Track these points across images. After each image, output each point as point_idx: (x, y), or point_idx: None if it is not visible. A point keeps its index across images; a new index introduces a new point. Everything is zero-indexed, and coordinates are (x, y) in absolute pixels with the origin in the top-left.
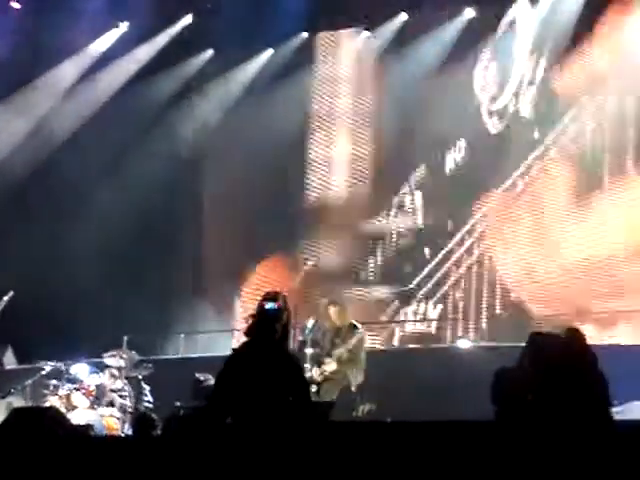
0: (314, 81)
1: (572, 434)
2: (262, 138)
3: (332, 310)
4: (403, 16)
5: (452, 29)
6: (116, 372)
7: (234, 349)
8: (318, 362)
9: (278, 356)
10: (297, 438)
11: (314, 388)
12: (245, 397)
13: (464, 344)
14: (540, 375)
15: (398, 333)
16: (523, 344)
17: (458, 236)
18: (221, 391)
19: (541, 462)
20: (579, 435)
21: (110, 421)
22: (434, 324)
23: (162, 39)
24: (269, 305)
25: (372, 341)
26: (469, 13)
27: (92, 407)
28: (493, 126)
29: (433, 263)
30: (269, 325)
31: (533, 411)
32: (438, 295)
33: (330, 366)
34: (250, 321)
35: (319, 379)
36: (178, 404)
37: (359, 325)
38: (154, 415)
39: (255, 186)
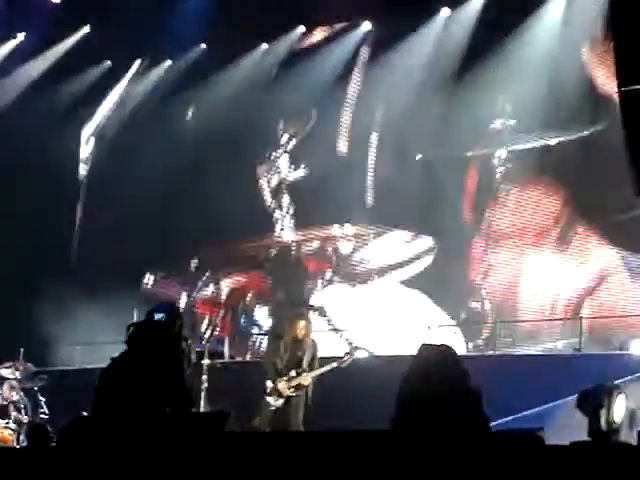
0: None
1: (454, 444)
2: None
3: (301, 323)
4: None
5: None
6: (12, 383)
7: (112, 358)
8: (279, 375)
9: (157, 366)
10: (186, 449)
11: (280, 401)
12: (123, 407)
13: (361, 354)
14: (418, 387)
15: None
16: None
17: None
18: (100, 401)
19: (428, 472)
20: (462, 444)
21: (5, 433)
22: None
23: (59, 50)
24: (158, 315)
25: None
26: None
27: None
28: None
29: None
30: (150, 335)
31: (412, 423)
32: None
33: (307, 380)
34: (131, 330)
35: (288, 392)
36: (84, 414)
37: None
38: (49, 427)
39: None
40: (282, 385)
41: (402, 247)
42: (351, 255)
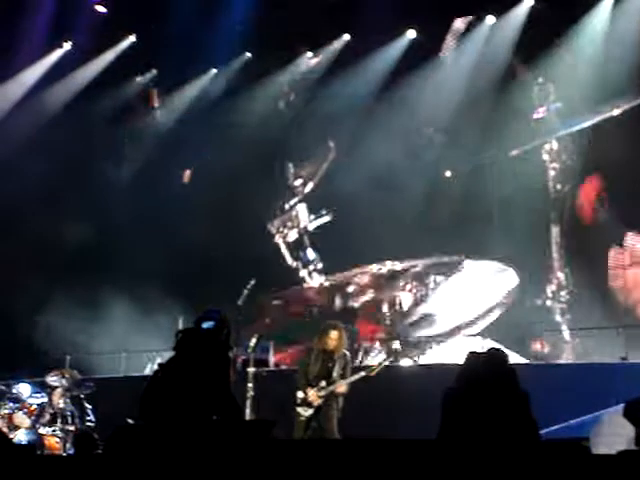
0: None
1: (496, 455)
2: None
3: (333, 334)
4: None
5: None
6: (58, 391)
7: (160, 364)
8: (309, 385)
9: (204, 373)
10: (232, 456)
11: (310, 411)
12: (170, 412)
13: (407, 363)
14: (469, 395)
15: None
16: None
17: None
18: (147, 408)
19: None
20: (503, 456)
21: (52, 440)
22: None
23: (106, 59)
24: (206, 324)
25: None
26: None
27: (34, 427)
28: None
29: None
30: (196, 342)
31: (463, 431)
32: None
33: (342, 387)
34: (179, 337)
35: (318, 402)
36: (130, 421)
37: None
38: (95, 434)
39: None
40: (312, 395)
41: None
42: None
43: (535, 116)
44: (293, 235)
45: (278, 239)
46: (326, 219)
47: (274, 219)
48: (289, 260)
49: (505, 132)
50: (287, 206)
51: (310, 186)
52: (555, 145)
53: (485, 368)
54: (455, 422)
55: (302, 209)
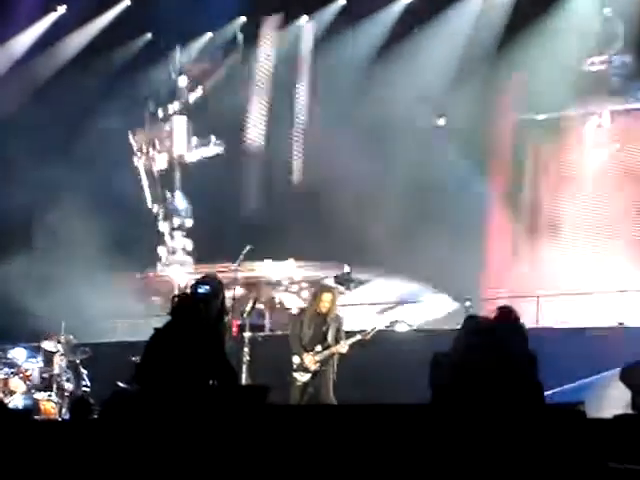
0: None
1: (500, 414)
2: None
3: (327, 296)
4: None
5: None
6: (54, 356)
7: (156, 329)
8: (304, 350)
9: (200, 338)
10: (228, 421)
11: (307, 376)
12: (166, 377)
13: (401, 327)
14: (470, 358)
15: None
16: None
17: None
18: (143, 370)
19: (473, 442)
20: (507, 414)
21: (47, 405)
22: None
23: (101, 22)
24: (202, 289)
25: None
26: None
27: (29, 392)
28: None
29: None
30: (192, 307)
31: (466, 394)
32: None
33: (343, 348)
34: (175, 301)
35: (314, 367)
36: (120, 384)
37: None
38: (91, 399)
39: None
40: (309, 360)
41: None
42: None
43: (588, 66)
44: (161, 162)
45: (137, 161)
46: (215, 151)
47: (137, 130)
48: (148, 201)
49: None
50: (160, 113)
51: (199, 92)
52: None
53: (490, 330)
54: (446, 386)
55: (180, 124)
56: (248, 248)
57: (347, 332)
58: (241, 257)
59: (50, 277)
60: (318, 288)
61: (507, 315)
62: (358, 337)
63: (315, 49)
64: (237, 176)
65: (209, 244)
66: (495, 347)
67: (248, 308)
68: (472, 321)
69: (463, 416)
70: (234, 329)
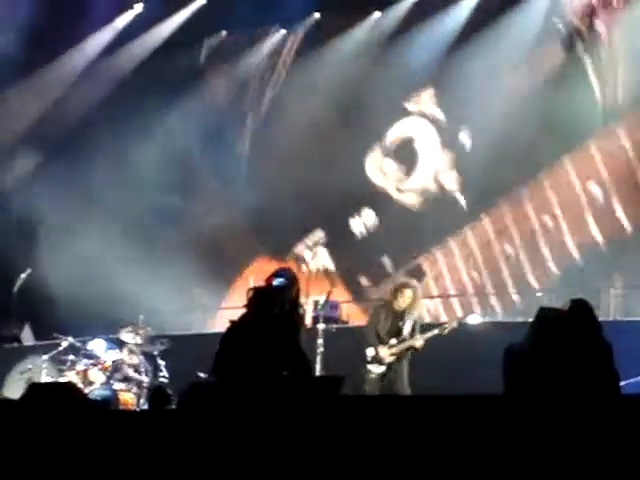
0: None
1: (577, 407)
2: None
3: (408, 293)
4: None
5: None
6: (132, 348)
7: (232, 321)
8: (380, 342)
9: (275, 330)
10: (303, 412)
11: (381, 369)
12: (242, 368)
13: (474, 320)
14: (544, 349)
15: None
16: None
17: None
18: (220, 362)
19: (548, 436)
20: (584, 408)
21: (126, 396)
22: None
23: (176, 21)
24: (277, 281)
25: None
26: None
27: (108, 382)
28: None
29: None
30: (267, 299)
31: (540, 386)
32: None
33: (419, 342)
34: (250, 294)
35: (389, 359)
36: (200, 374)
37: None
38: (169, 390)
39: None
40: (383, 352)
41: None
42: None
43: None
44: None
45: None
46: None
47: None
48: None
49: None
50: None
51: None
52: None
53: (564, 320)
54: (519, 377)
55: None
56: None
57: (422, 326)
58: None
59: (129, 268)
60: (399, 283)
61: (581, 306)
62: (435, 332)
63: (386, 45)
64: None
65: None
66: (569, 337)
67: (322, 301)
68: (545, 312)
69: (537, 407)
70: (308, 321)
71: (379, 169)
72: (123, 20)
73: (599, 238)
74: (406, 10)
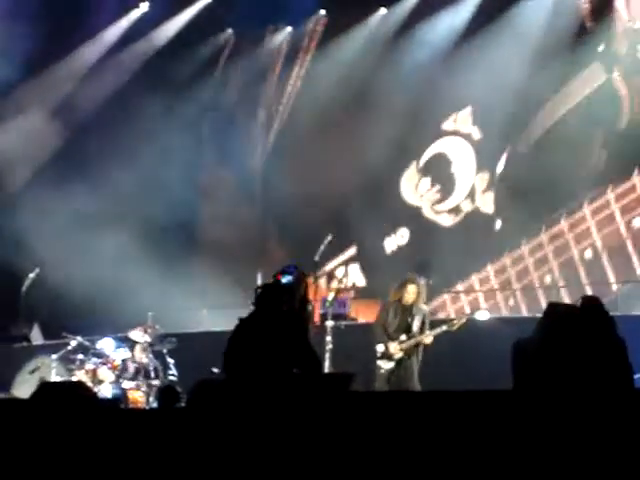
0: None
1: (590, 402)
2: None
3: (412, 287)
4: None
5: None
6: (141, 347)
7: (241, 318)
8: (389, 338)
9: (284, 327)
10: (313, 409)
11: (391, 364)
12: (251, 366)
13: (482, 316)
14: (556, 345)
15: None
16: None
17: None
18: (229, 359)
19: (559, 430)
20: (597, 402)
21: (135, 395)
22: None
23: (181, 19)
24: (285, 278)
25: None
26: None
27: (117, 381)
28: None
29: None
30: (275, 296)
31: (550, 380)
32: None
33: (428, 338)
34: (258, 292)
35: (399, 355)
36: (215, 370)
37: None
38: (179, 388)
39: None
40: (393, 348)
41: None
42: None
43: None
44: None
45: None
46: None
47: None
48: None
49: None
50: None
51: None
52: None
53: (575, 315)
54: (529, 372)
55: None
56: (329, 238)
57: (432, 322)
58: (322, 248)
59: (137, 267)
60: (403, 279)
61: (592, 302)
62: (444, 328)
63: (393, 41)
64: None
65: None
66: (581, 332)
67: (330, 298)
68: (555, 307)
69: (547, 402)
70: (316, 318)
71: (415, 188)
72: (129, 19)
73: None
74: (412, 6)
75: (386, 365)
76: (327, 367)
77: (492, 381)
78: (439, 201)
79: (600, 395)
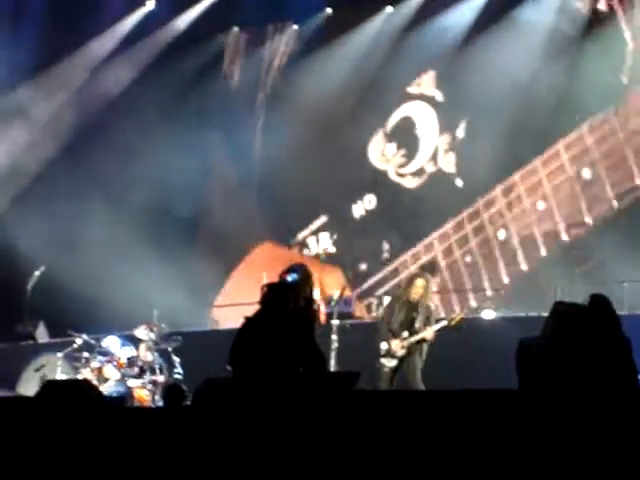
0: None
1: (596, 402)
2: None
3: (420, 283)
4: None
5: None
6: (147, 345)
7: (246, 317)
8: (392, 335)
9: (290, 326)
10: (318, 408)
11: (394, 362)
12: (257, 364)
13: (488, 315)
14: (562, 343)
15: None
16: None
17: None
18: (235, 358)
19: (565, 430)
20: (603, 403)
21: (141, 393)
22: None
23: (187, 18)
24: (291, 277)
25: None
26: None
27: (123, 379)
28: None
29: None
30: (281, 295)
31: (556, 380)
32: None
33: (429, 334)
34: (264, 290)
35: (402, 352)
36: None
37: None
38: (184, 386)
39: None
40: (395, 345)
41: None
42: None
43: None
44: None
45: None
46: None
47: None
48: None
49: None
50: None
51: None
52: None
53: (583, 315)
54: (534, 372)
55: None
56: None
57: (436, 319)
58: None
59: (142, 265)
60: (411, 275)
61: (600, 301)
62: (443, 323)
63: (399, 39)
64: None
65: None
66: (588, 332)
67: (335, 296)
68: (562, 306)
69: (553, 402)
70: (322, 316)
71: (381, 153)
72: (134, 18)
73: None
74: (418, 4)
75: (389, 363)
76: (333, 366)
77: (497, 380)
78: (404, 165)
79: (605, 395)
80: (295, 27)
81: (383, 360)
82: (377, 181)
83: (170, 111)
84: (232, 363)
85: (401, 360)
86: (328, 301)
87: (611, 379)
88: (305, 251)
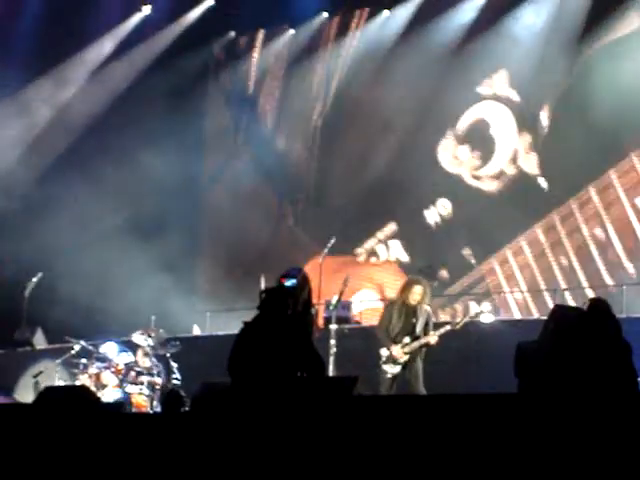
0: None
1: (595, 405)
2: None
3: (418, 288)
4: None
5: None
6: (144, 350)
7: (245, 322)
8: (393, 341)
9: (288, 331)
10: (317, 413)
11: (397, 368)
12: (255, 369)
13: (487, 318)
14: (562, 347)
15: None
16: (545, 318)
17: None
18: (234, 363)
19: (564, 434)
20: (603, 406)
21: (139, 399)
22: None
23: (184, 22)
24: (289, 282)
25: None
26: None
27: (121, 385)
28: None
29: None
30: (280, 300)
31: (555, 383)
32: None
33: (433, 339)
34: (263, 296)
35: (404, 358)
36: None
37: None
38: (182, 392)
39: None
40: (396, 351)
41: None
42: None
43: None
44: None
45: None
46: None
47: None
48: None
49: None
50: None
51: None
52: None
53: (582, 319)
54: (534, 375)
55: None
56: (332, 241)
57: (435, 324)
58: (325, 250)
59: (140, 271)
60: (408, 280)
61: (599, 305)
62: (448, 327)
63: (395, 43)
64: None
65: None
66: (588, 335)
67: (334, 301)
68: (561, 310)
69: (552, 406)
70: (320, 321)
71: (453, 156)
72: (131, 23)
73: None
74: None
75: (392, 369)
76: (331, 370)
77: (497, 384)
78: (479, 167)
79: (605, 399)
80: (292, 31)
81: (385, 367)
82: (451, 185)
83: (170, 113)
84: (231, 368)
85: (404, 367)
86: (327, 306)
87: (611, 383)
88: (373, 259)
